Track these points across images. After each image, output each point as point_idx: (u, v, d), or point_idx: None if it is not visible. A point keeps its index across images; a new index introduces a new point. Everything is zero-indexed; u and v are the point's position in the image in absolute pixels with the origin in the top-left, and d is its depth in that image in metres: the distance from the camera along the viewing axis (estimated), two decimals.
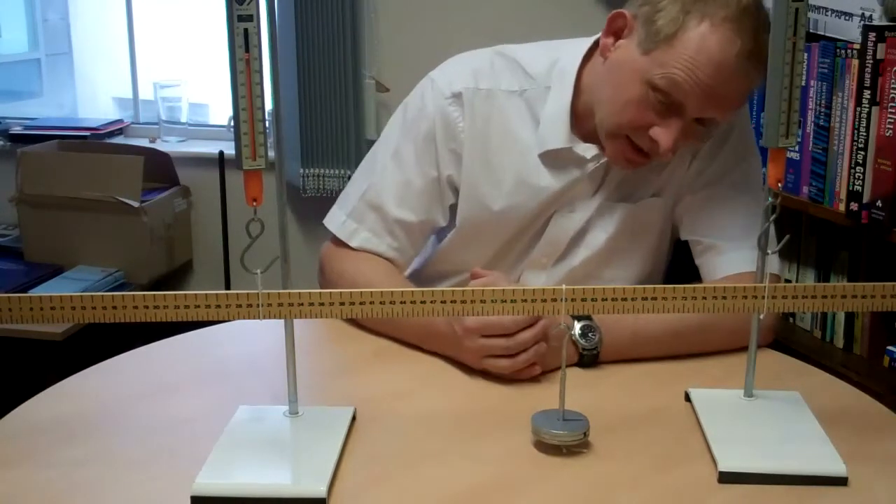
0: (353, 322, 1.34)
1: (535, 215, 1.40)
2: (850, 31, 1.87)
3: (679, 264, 1.50)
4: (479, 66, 1.41)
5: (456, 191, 1.42)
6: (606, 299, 0.98)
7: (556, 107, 1.35)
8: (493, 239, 1.43)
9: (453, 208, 1.44)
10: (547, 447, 1.01)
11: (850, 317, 2.01)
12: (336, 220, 1.42)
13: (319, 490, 0.93)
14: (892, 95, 1.76)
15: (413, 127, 1.40)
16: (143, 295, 0.97)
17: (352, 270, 1.37)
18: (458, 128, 1.38)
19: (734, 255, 1.32)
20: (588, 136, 1.35)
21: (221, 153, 3.13)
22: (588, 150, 1.35)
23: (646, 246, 1.43)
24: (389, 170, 1.40)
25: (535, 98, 1.37)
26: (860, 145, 1.83)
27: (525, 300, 0.98)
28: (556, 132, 1.35)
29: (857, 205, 1.84)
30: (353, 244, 1.39)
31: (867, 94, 1.80)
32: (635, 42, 1.24)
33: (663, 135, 1.23)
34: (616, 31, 1.28)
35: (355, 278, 1.34)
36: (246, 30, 0.91)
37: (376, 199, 1.39)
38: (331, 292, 0.98)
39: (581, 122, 1.35)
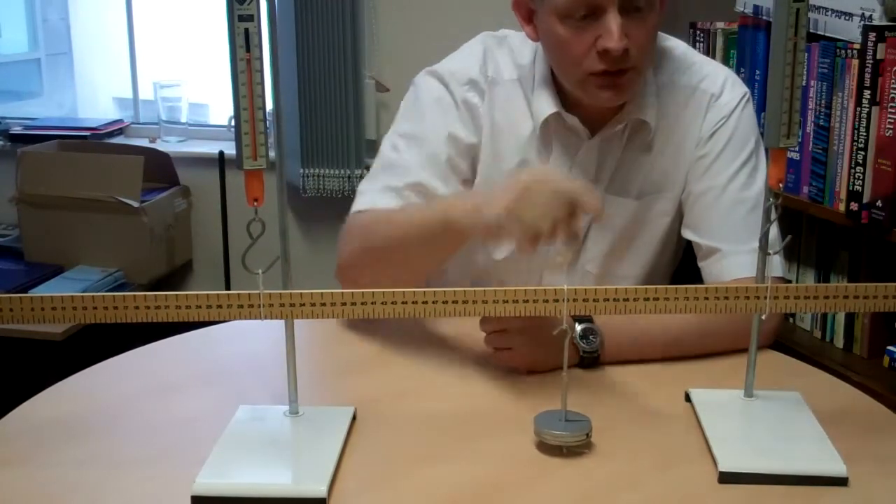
0: (353, 322, 1.34)
1: None
2: (850, 31, 1.86)
3: (681, 265, 1.50)
4: (481, 54, 1.43)
5: (473, 162, 1.43)
6: (608, 299, 0.98)
7: (539, 79, 1.39)
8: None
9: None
10: (548, 448, 1.01)
11: (851, 317, 2.00)
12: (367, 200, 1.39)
13: (319, 490, 0.93)
14: (892, 95, 1.76)
15: (435, 111, 1.41)
16: (144, 295, 0.97)
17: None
18: (479, 112, 1.41)
19: (735, 260, 1.32)
20: (581, 120, 1.38)
21: (221, 153, 3.13)
22: (576, 122, 1.37)
23: (655, 238, 1.43)
24: (414, 151, 1.40)
25: (528, 84, 1.40)
26: (860, 145, 1.83)
27: (527, 300, 0.98)
28: (545, 100, 1.37)
29: (857, 205, 1.84)
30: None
31: (867, 94, 1.80)
32: (538, 10, 1.31)
33: (606, 35, 1.24)
34: (525, 16, 1.35)
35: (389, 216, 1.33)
36: (247, 30, 0.91)
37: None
38: (332, 292, 0.98)
39: (577, 109, 1.37)
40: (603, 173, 1.40)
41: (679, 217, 1.42)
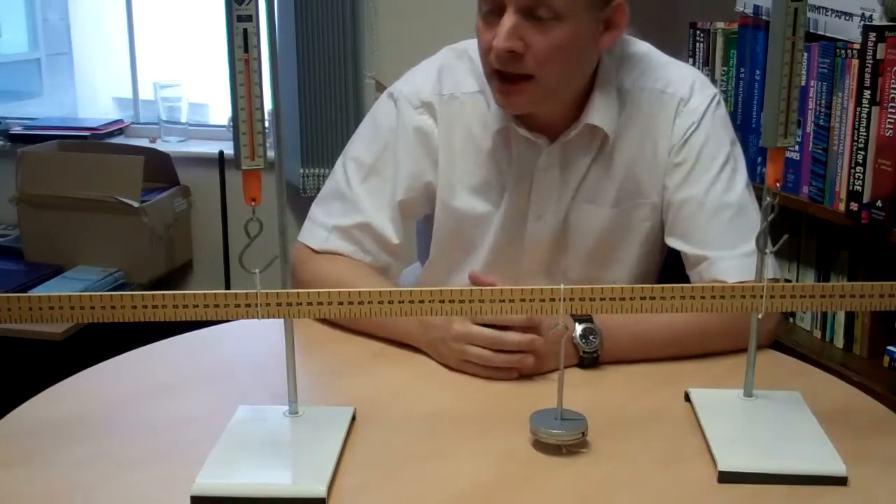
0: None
1: (505, 216, 1.41)
2: (850, 31, 1.86)
3: (677, 265, 1.50)
4: (439, 71, 1.42)
5: (430, 199, 1.43)
6: (605, 299, 0.98)
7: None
8: (473, 247, 1.43)
9: (428, 227, 1.46)
10: (545, 447, 1.01)
11: (850, 317, 2.00)
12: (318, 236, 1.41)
13: (319, 490, 0.93)
14: (892, 95, 1.76)
15: (390, 143, 1.41)
16: (143, 295, 0.97)
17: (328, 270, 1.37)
18: (434, 135, 1.40)
19: (723, 266, 1.30)
20: (536, 128, 1.36)
21: (221, 153, 3.13)
22: (531, 135, 1.35)
23: (637, 244, 1.42)
24: (370, 187, 1.41)
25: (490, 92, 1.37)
26: (860, 145, 1.82)
27: (524, 300, 0.98)
28: (499, 113, 1.36)
29: (857, 205, 1.84)
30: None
31: (867, 94, 1.79)
32: None
33: (497, 35, 1.24)
34: None
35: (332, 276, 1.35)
36: (245, 30, 0.91)
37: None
38: (329, 292, 0.98)
39: (528, 117, 1.36)
40: (569, 181, 1.38)
41: (660, 222, 1.41)
